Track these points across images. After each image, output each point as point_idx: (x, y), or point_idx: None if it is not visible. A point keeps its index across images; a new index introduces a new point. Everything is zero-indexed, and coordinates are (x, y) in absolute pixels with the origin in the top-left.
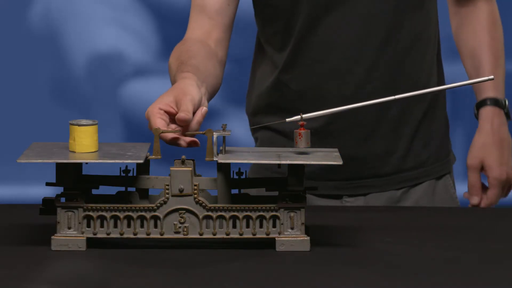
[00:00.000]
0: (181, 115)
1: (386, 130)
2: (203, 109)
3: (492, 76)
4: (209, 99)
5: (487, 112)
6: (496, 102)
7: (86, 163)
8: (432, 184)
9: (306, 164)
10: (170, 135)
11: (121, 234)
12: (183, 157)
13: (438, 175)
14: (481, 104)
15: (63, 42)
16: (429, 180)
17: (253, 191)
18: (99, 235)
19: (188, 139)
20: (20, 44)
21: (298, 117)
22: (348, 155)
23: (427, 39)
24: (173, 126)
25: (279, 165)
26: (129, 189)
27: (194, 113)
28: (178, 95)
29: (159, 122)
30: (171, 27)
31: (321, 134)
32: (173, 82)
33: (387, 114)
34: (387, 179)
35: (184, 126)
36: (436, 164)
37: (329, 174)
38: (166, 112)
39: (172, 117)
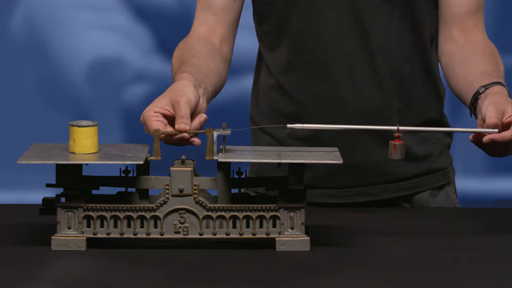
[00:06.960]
0: (181, 126)
1: (383, 139)
2: (202, 117)
3: (496, 130)
4: (210, 98)
5: (495, 87)
6: (503, 85)
7: (86, 164)
8: (433, 194)
9: (306, 163)
10: (180, 135)
11: (121, 234)
12: (183, 157)
13: (437, 185)
14: (486, 87)
15: (63, 47)
16: (429, 189)
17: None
18: (99, 235)
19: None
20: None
21: (304, 125)
22: (344, 163)
23: (430, 41)
24: (170, 128)
25: (279, 164)
26: (129, 189)
27: (192, 113)
28: (173, 98)
29: (156, 124)
30: (167, 29)
31: (313, 142)
32: (173, 82)
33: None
34: (384, 187)
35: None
36: (435, 174)
37: (324, 181)
38: (162, 115)
39: (168, 120)
